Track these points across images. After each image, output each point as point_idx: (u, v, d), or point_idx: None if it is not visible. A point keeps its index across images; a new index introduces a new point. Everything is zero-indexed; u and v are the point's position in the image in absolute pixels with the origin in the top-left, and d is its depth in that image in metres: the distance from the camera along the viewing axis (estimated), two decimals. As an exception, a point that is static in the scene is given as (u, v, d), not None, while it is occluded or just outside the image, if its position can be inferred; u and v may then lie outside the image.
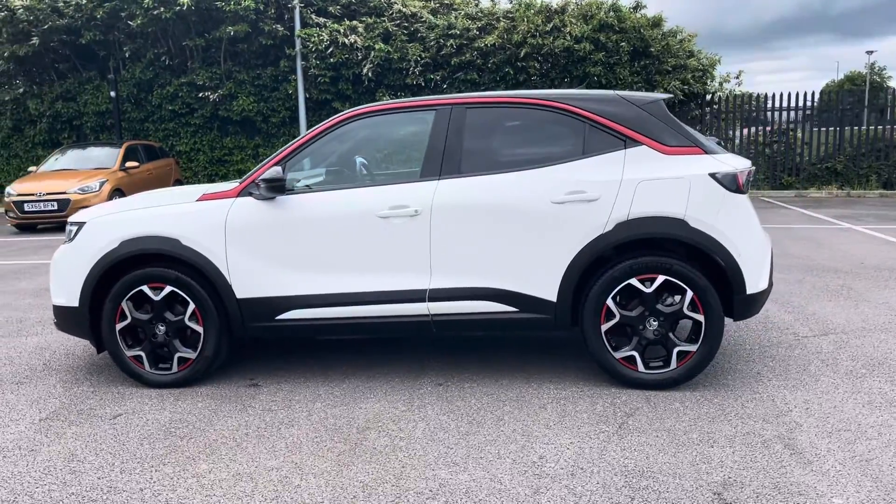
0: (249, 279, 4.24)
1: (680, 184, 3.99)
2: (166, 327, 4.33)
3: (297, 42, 17.63)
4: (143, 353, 4.37)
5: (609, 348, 4.09)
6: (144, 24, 17.49)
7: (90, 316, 4.38)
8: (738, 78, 18.47)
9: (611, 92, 4.28)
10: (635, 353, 4.09)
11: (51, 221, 13.33)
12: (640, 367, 4.09)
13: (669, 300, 4.05)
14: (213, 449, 3.49)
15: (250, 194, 4.27)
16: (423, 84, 17.84)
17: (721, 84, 18.34)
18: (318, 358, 4.84)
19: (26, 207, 13.25)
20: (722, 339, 4.11)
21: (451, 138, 4.22)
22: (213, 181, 19.01)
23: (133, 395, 4.26)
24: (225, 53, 18.52)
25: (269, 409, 3.98)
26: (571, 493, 2.96)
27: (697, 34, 18.05)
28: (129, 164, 14.49)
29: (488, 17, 17.56)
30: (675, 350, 4.06)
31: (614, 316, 4.06)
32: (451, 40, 17.24)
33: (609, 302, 4.05)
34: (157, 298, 4.30)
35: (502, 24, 17.15)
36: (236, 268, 4.23)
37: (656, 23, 17.42)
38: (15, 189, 13.52)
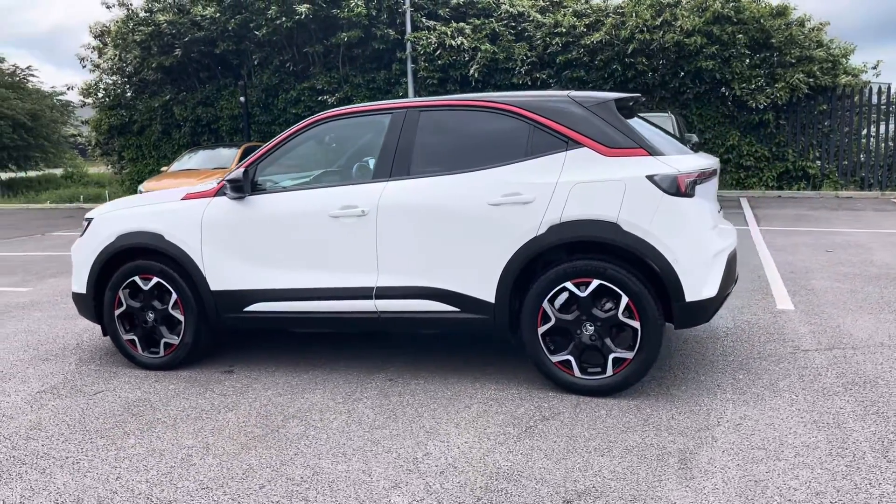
0: (221, 272, 4.58)
1: (615, 186, 3.88)
2: (155, 314, 4.77)
3: (408, 46, 18.17)
4: (136, 338, 4.84)
5: (546, 351, 4.05)
6: (269, 33, 18.72)
7: (94, 302, 4.91)
8: (875, 68, 16.93)
9: (561, 93, 4.23)
10: (571, 358, 4.02)
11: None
12: (577, 372, 4.01)
13: (608, 305, 3.95)
14: (151, 426, 3.84)
15: (225, 194, 4.61)
16: (529, 83, 17.82)
17: (856, 75, 16.86)
18: (298, 350, 5.12)
19: (153, 204, 14.62)
20: (660, 348, 3.95)
21: (402, 141, 4.34)
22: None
23: (123, 375, 4.73)
24: (343, 58, 19.42)
25: (223, 394, 4.30)
26: (426, 489, 3.02)
27: (829, 23, 16.72)
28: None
29: (597, 14, 17.23)
30: (611, 356, 3.95)
31: (550, 319, 4.02)
32: (558, 38, 17.10)
33: (545, 305, 4.01)
34: (146, 288, 4.75)
35: (610, 20, 16.77)
36: (210, 262, 4.59)
37: (780, 12, 16.35)
38: (145, 187, 14.93)
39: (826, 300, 6.05)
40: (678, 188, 3.85)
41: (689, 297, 3.85)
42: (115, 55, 20.59)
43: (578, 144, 4.02)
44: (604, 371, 3.98)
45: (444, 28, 17.82)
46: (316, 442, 3.55)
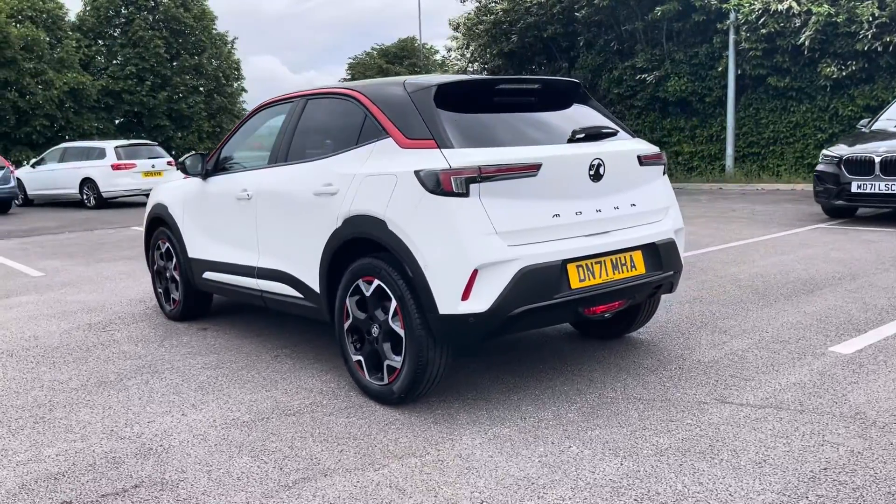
0: (192, 242, 5.30)
1: (388, 181, 3.53)
2: (168, 273, 5.72)
3: (732, 15, 16.47)
4: (161, 291, 5.86)
5: (350, 349, 3.88)
6: (590, 13, 18.68)
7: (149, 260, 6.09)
8: None
9: (399, 79, 3.91)
10: (362, 359, 3.79)
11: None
12: (366, 374, 3.77)
13: (391, 308, 3.63)
14: (73, 361, 4.73)
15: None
16: (879, 49, 14.74)
17: None
18: (276, 321, 5.58)
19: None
20: (428, 361, 3.47)
21: (289, 129, 4.49)
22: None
23: (142, 321, 5.76)
24: (667, 34, 18.40)
25: (161, 347, 5.00)
26: (69, 448, 3.32)
27: None
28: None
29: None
30: (386, 363, 3.63)
31: (350, 316, 3.84)
32: (916, -9, 13.77)
33: (347, 301, 3.84)
34: (162, 251, 5.72)
35: None
36: (187, 232, 5.34)
37: None
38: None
39: (928, 349, 4.30)
40: (442, 186, 3.33)
41: (443, 309, 3.33)
42: (464, 44, 22.66)
43: (387, 134, 3.73)
44: (383, 378, 3.68)
45: (769, -9, 15.69)
46: (120, 394, 4.04)
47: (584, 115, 4.10)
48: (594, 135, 3.86)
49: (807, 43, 15.29)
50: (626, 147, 3.93)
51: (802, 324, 4.94)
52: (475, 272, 3.30)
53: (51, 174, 18.74)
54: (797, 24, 15.44)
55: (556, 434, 3.32)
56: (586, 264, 3.60)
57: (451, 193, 3.33)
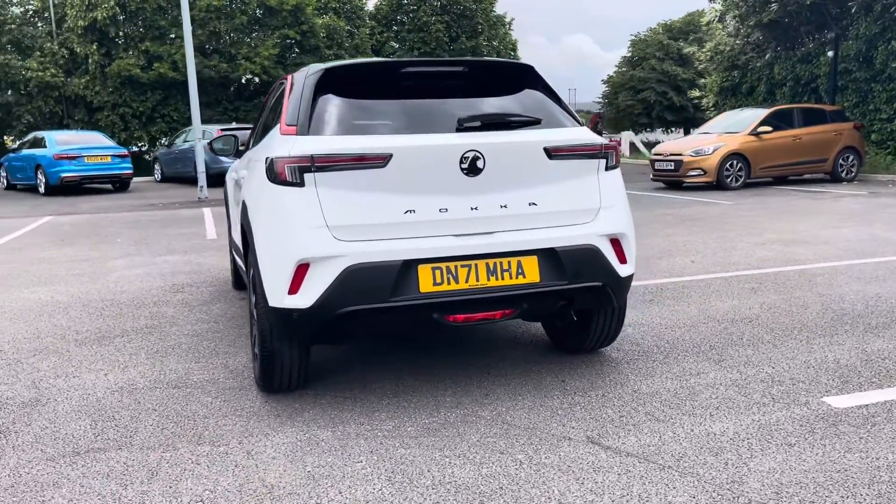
0: (232, 218, 5.72)
1: (255, 168, 3.52)
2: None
3: None
4: (231, 260, 6.41)
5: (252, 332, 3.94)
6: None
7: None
8: None
9: (313, 66, 3.81)
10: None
11: (670, 179, 14.68)
12: (253, 359, 3.81)
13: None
14: (111, 315, 5.43)
15: (244, 151, 5.67)
16: None
17: None
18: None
19: (656, 166, 14.97)
20: (273, 352, 3.39)
21: (265, 113, 4.63)
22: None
23: (219, 286, 6.36)
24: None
25: (190, 310, 5.49)
26: None
27: None
28: (761, 129, 14.24)
29: None
30: (254, 350, 3.63)
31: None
32: None
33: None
34: (228, 225, 6.24)
35: None
36: (230, 208, 5.77)
37: None
38: (659, 148, 15.36)
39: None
40: (276, 175, 3.22)
41: (272, 301, 3.24)
42: (716, 15, 20.69)
43: (279, 121, 3.69)
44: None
45: None
46: (97, 350, 4.51)
47: (515, 102, 3.63)
48: (492, 123, 3.41)
49: None
50: (524, 138, 3.40)
51: (837, 363, 3.89)
52: (302, 266, 3.16)
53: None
54: None
55: (368, 446, 3.07)
56: (446, 267, 3.23)
57: (285, 182, 3.21)
